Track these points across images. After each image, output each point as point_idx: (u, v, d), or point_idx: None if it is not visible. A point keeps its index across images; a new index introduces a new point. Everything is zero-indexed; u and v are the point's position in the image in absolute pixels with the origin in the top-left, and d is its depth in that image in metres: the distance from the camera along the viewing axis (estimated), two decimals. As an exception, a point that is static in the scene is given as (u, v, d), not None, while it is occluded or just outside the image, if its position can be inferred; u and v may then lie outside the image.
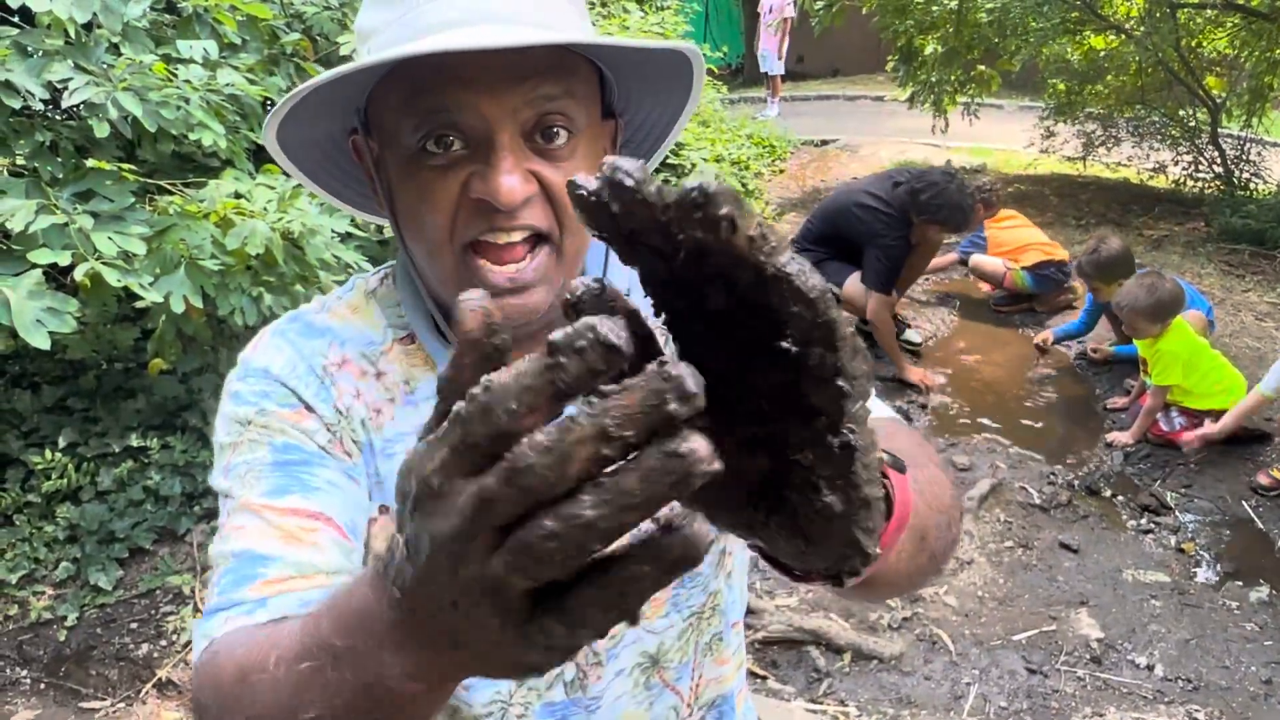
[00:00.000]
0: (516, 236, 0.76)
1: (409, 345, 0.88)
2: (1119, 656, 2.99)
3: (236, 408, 0.82)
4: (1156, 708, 2.75)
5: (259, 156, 3.68)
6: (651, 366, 0.32)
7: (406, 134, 0.76)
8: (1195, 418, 4.04)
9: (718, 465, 0.32)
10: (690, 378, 0.32)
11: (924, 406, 4.45)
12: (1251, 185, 7.65)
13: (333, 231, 2.98)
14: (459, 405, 0.33)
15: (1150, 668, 2.93)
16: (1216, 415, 3.98)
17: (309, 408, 0.82)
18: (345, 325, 0.88)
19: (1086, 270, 4.60)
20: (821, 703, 2.76)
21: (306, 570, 0.74)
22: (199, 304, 2.63)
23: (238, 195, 2.84)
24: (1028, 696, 2.83)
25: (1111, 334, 4.92)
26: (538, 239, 0.78)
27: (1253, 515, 3.69)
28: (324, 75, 0.72)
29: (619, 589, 0.34)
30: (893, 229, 4.39)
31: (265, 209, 2.78)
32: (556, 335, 0.32)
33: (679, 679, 0.97)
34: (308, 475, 0.79)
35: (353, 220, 3.33)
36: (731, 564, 0.98)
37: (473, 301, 0.36)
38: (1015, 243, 5.61)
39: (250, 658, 0.58)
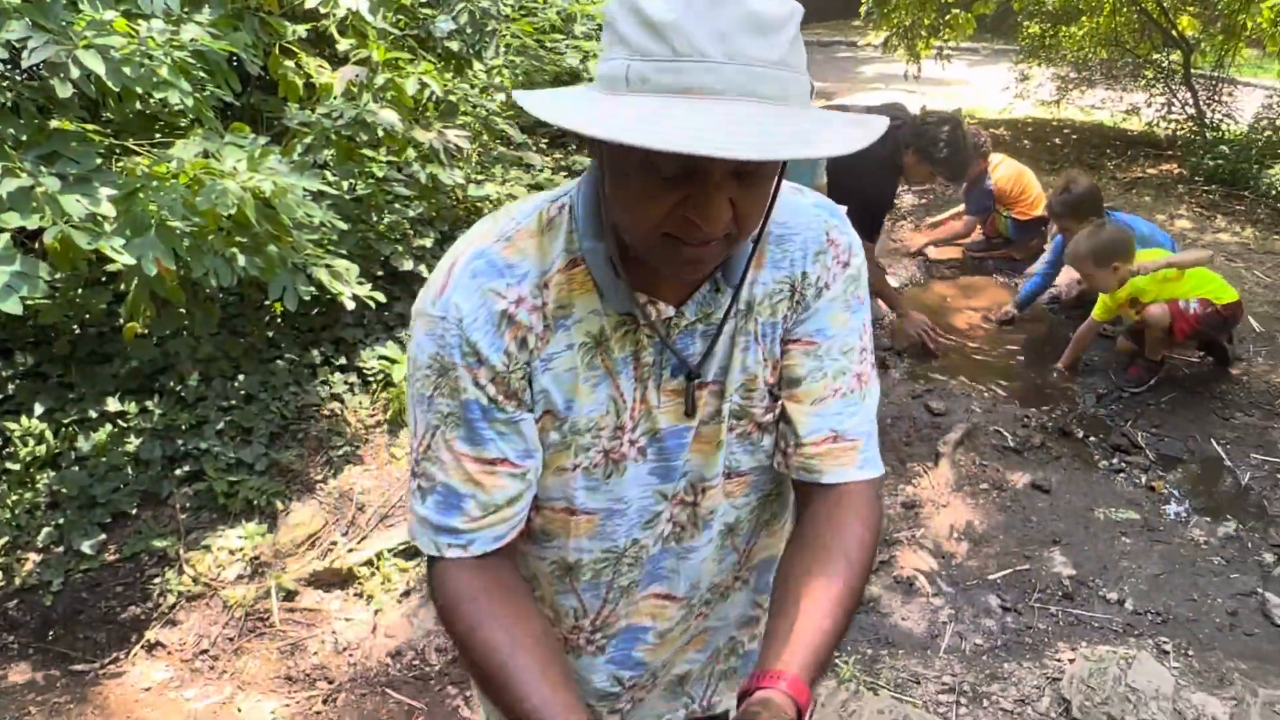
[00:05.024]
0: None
1: (572, 270, 1.01)
2: (1090, 592, 3.06)
3: (438, 350, 1.00)
4: (1126, 640, 2.83)
5: (227, 115, 3.63)
6: None
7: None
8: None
9: None
10: None
11: (900, 354, 4.49)
12: (1224, 126, 7.68)
13: (304, 190, 2.95)
14: None
15: (1121, 602, 3.01)
16: (1204, 304, 3.99)
17: (480, 359, 0.99)
18: (523, 259, 1.00)
19: (1059, 210, 4.59)
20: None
21: (490, 509, 1.03)
22: (172, 266, 2.61)
23: (206, 155, 2.81)
24: (1002, 633, 2.90)
25: (1084, 283, 4.96)
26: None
27: (1221, 453, 3.77)
28: (586, 128, 0.78)
29: None
30: (881, 178, 4.27)
31: (235, 169, 2.75)
32: None
33: (742, 543, 1.23)
34: (484, 429, 1.01)
35: (324, 179, 3.30)
36: (796, 460, 1.15)
37: None
38: (1025, 196, 5.53)
39: (479, 646, 0.97)
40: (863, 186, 4.17)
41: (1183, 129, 7.91)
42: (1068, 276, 5.02)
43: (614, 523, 1.11)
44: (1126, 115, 8.49)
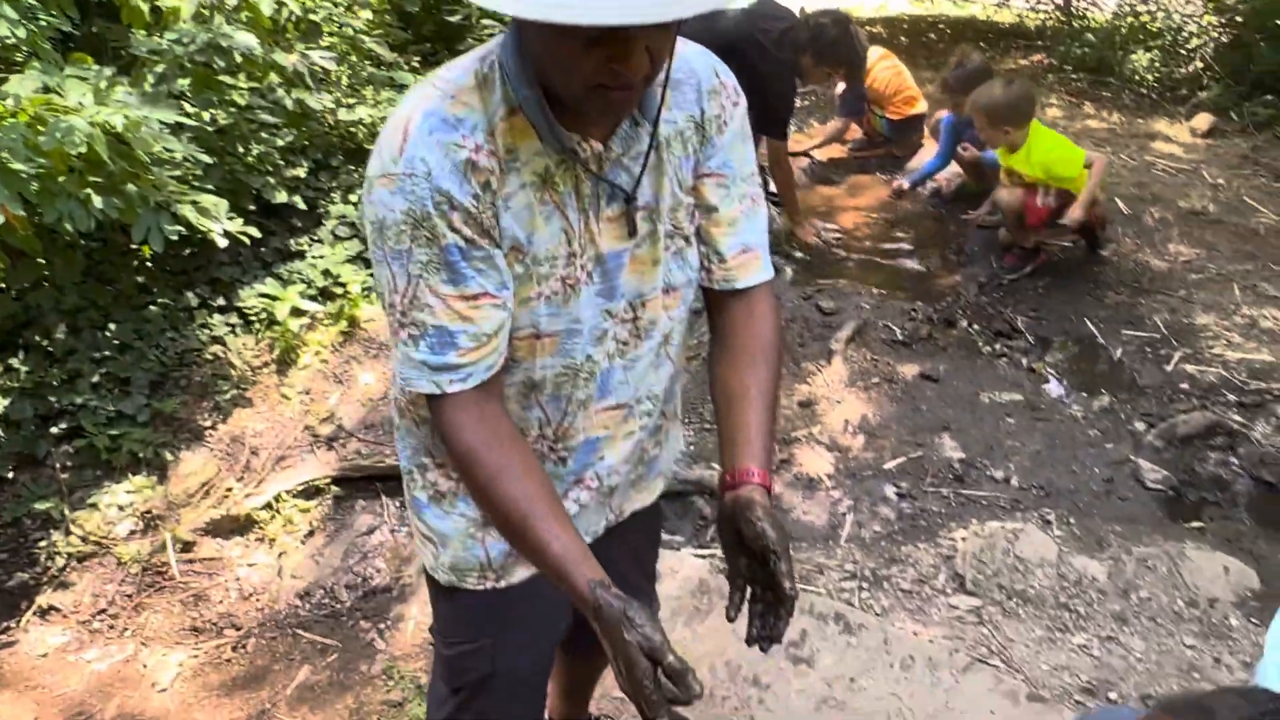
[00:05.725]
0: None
1: (512, 119, 1.13)
2: (979, 473, 3.21)
3: (409, 205, 1.09)
4: (1013, 515, 2.99)
5: (67, 46, 3.37)
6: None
7: None
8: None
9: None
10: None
11: (788, 257, 4.54)
12: (1089, 14, 7.86)
13: (160, 123, 2.78)
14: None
15: (1007, 480, 3.17)
16: (1060, 197, 4.11)
17: (453, 205, 1.10)
18: (470, 112, 1.11)
19: (953, 85, 4.66)
20: (710, 548, 2.90)
21: (482, 339, 1.16)
22: (20, 213, 2.45)
23: (47, 90, 2.61)
24: (899, 519, 3.02)
25: (963, 176, 5.08)
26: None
27: (1095, 331, 3.96)
28: (526, 12, 0.93)
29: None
30: (784, 75, 4.24)
31: (81, 104, 2.56)
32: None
33: (674, 353, 1.42)
34: (464, 267, 1.13)
35: (181, 110, 3.11)
36: (719, 274, 1.37)
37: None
38: (899, 94, 5.54)
39: (501, 498, 1.15)
40: (764, 89, 4.11)
41: (1051, 19, 8.08)
42: (949, 171, 5.12)
43: (572, 341, 1.26)
44: (998, 8, 8.62)
